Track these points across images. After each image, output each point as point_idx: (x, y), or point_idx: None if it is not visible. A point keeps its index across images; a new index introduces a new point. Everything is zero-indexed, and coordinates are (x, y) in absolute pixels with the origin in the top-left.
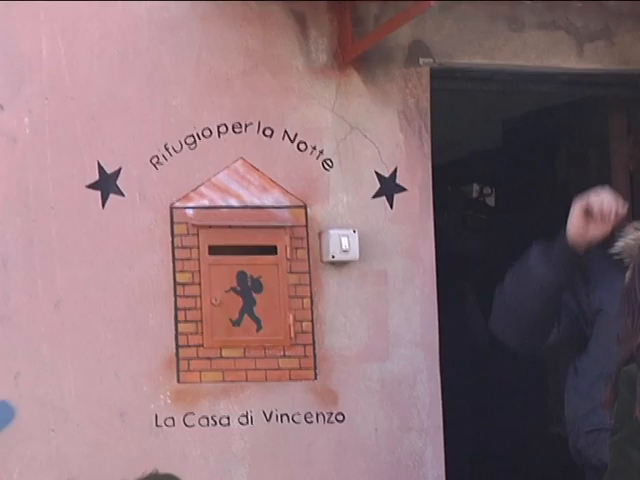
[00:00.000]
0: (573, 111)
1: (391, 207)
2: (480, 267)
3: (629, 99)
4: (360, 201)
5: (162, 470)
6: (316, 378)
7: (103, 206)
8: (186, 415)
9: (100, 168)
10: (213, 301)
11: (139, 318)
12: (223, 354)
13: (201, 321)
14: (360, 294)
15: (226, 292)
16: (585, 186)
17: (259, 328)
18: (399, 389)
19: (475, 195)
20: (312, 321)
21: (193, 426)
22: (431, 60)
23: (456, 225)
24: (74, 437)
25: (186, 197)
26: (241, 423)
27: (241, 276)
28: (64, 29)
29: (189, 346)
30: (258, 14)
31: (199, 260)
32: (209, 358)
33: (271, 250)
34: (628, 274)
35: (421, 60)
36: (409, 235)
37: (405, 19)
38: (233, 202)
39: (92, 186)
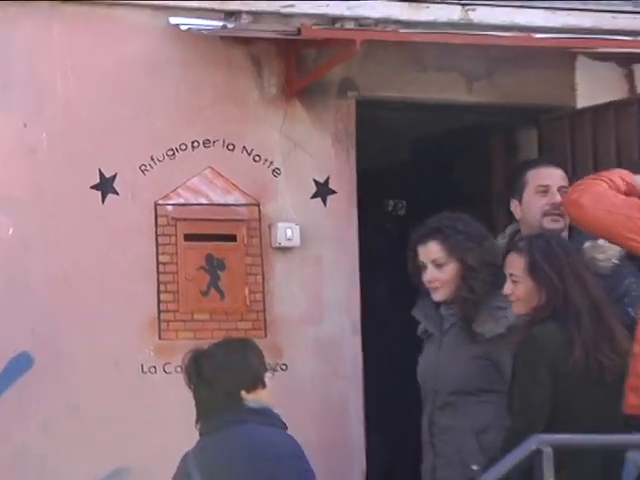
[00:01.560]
0: (464, 135)
1: (325, 206)
2: (390, 265)
3: (507, 126)
4: (301, 201)
5: (146, 410)
6: (266, 336)
7: (103, 203)
8: (165, 364)
9: (100, 173)
10: (187, 277)
11: (130, 289)
12: (194, 318)
13: (177, 292)
14: (300, 273)
15: (197, 270)
16: (473, 198)
17: (222, 298)
18: (330, 345)
19: (390, 209)
20: (263, 293)
21: (170, 373)
22: (357, 93)
23: (375, 230)
24: (79, 379)
25: (167, 196)
26: None
27: (209, 258)
28: (74, 65)
29: (168, 311)
30: (224, 58)
31: (176, 245)
32: (183, 321)
33: (232, 238)
34: (521, 258)
35: (349, 93)
36: (338, 228)
37: (337, 62)
38: (203, 200)
39: (94, 187)
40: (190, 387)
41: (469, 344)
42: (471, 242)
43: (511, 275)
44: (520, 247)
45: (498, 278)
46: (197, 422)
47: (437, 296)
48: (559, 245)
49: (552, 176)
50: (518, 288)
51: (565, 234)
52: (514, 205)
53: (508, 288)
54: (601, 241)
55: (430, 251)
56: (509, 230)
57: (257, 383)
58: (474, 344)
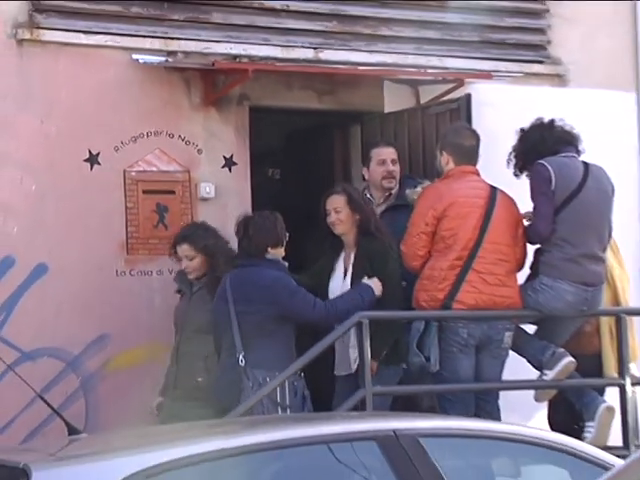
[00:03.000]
0: (318, 129)
1: (230, 172)
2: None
3: (343, 124)
4: (215, 169)
5: (119, 297)
6: None
7: (91, 170)
8: (131, 270)
9: (90, 152)
10: (144, 216)
11: (109, 223)
12: (149, 242)
13: (138, 225)
14: (215, 214)
15: (150, 212)
16: (322, 170)
17: (167, 229)
18: None
19: (270, 175)
20: None
21: (134, 275)
22: (249, 102)
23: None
24: (78, 279)
25: (131, 166)
26: (157, 274)
27: (158, 205)
28: (73, 84)
29: (132, 237)
30: (166, 80)
31: (137, 197)
32: (142, 243)
33: (172, 192)
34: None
35: (244, 103)
36: (238, 186)
37: (237, 83)
38: (154, 169)
39: (85, 160)
40: (237, 237)
41: (208, 302)
42: (209, 241)
43: (335, 209)
44: (338, 190)
45: (231, 260)
46: (233, 261)
47: (191, 277)
48: (359, 190)
49: (387, 153)
50: (343, 215)
51: (397, 188)
52: (365, 171)
53: (334, 217)
54: (418, 188)
55: (183, 249)
56: (362, 187)
57: (278, 242)
58: (211, 302)
